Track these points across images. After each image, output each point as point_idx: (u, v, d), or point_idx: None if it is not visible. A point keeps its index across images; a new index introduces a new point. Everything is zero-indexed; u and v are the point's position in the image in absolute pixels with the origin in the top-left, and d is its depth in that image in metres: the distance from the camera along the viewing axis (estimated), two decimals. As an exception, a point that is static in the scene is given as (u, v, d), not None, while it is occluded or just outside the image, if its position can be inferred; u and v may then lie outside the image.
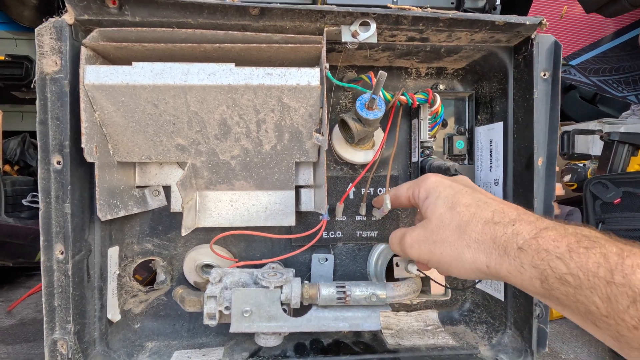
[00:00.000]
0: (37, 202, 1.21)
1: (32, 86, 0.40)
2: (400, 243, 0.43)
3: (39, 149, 0.43)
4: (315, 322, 0.49)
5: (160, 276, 0.59)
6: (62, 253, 0.44)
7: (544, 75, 0.50)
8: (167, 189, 0.57)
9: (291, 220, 0.56)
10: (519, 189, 0.54)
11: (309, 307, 0.50)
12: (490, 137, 0.59)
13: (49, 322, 0.44)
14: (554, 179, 0.50)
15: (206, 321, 0.48)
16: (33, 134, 1.74)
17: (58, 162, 0.43)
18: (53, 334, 0.44)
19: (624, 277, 0.27)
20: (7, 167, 1.62)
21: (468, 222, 0.37)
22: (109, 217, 0.47)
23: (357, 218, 0.61)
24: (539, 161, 0.50)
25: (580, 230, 0.32)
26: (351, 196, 0.61)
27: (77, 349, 0.45)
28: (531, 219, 0.35)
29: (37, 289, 0.80)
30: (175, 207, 0.56)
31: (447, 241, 0.38)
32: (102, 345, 0.50)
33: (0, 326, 0.69)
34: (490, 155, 0.58)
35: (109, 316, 0.51)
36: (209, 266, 0.58)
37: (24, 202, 1.22)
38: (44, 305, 0.44)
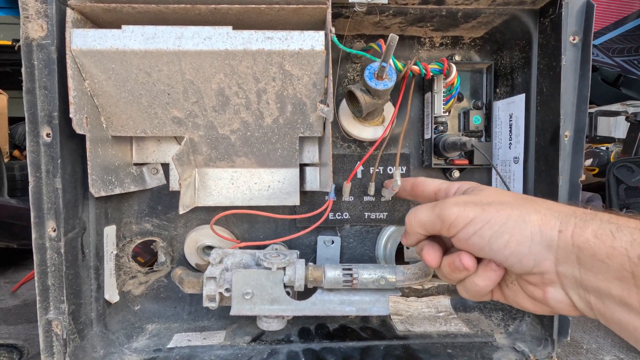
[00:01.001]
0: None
1: (15, 48, 0.37)
2: (436, 206, 0.34)
3: (26, 120, 0.41)
4: (320, 305, 0.46)
5: (161, 257, 0.57)
6: (54, 230, 0.42)
7: (574, 39, 0.45)
8: (166, 167, 0.54)
9: (295, 200, 0.53)
10: (541, 166, 0.49)
11: (314, 290, 0.47)
12: (510, 111, 0.54)
13: (43, 301, 0.42)
14: (581, 154, 0.46)
15: (206, 303, 0.46)
16: (41, 120, 1.74)
17: (47, 135, 0.41)
18: (47, 314, 0.42)
19: None
20: (17, 152, 1.63)
21: (535, 198, 0.33)
22: (103, 194, 0.45)
23: (366, 198, 0.57)
24: (566, 135, 0.46)
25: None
26: (359, 175, 0.57)
27: (72, 329, 0.43)
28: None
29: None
30: (175, 185, 0.54)
31: (507, 203, 0.31)
32: (99, 326, 0.48)
33: (4, 307, 0.69)
34: (510, 130, 0.54)
35: (107, 297, 0.49)
36: (210, 248, 0.56)
37: (31, 185, 1.22)
38: (36, 284, 0.42)
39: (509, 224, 0.30)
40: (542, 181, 0.49)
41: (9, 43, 1.66)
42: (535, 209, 0.30)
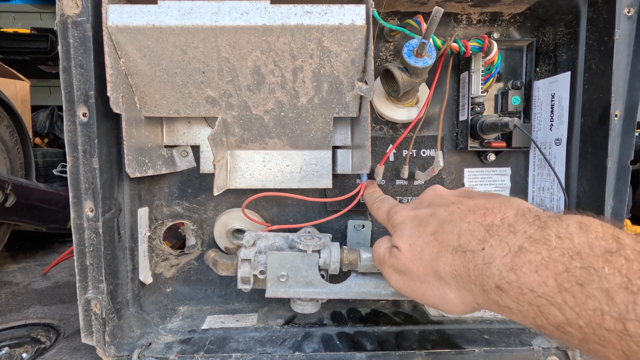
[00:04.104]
0: (67, 172, 1.22)
1: (54, 29, 0.37)
2: (380, 265, 0.38)
3: (63, 99, 0.40)
4: (355, 289, 0.45)
5: (191, 240, 0.57)
6: (92, 210, 0.41)
7: (629, 12, 0.43)
8: (195, 150, 0.54)
9: (327, 182, 0.52)
10: (587, 147, 0.47)
11: (345, 275, 0.47)
12: (552, 91, 0.52)
13: (82, 281, 0.42)
14: (633, 135, 0.44)
15: (240, 285, 0.45)
16: (61, 107, 1.76)
17: (84, 114, 0.41)
18: (86, 293, 0.42)
19: None
20: (38, 140, 1.65)
21: (437, 254, 0.31)
22: (138, 175, 0.44)
23: (398, 182, 0.56)
24: (616, 114, 0.44)
25: (576, 239, 0.23)
26: (391, 158, 0.56)
27: (110, 309, 0.43)
28: (504, 233, 0.27)
29: (68, 252, 0.80)
30: (205, 168, 0.53)
31: (423, 280, 0.33)
32: (135, 306, 0.48)
33: (36, 288, 0.70)
34: (552, 111, 0.52)
35: (141, 278, 0.49)
36: (239, 231, 0.56)
37: (54, 172, 1.25)
38: (75, 264, 0.42)
39: (441, 306, 0.32)
40: (587, 163, 0.47)
41: (28, 31, 1.67)
42: (445, 283, 0.31)
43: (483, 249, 0.27)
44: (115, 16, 0.38)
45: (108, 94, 0.39)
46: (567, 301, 0.22)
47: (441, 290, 0.31)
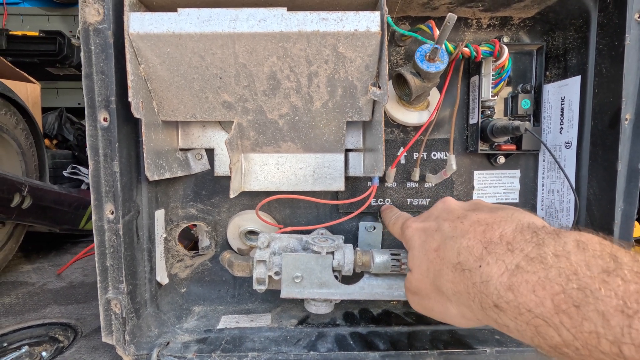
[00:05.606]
0: (77, 174, 1.23)
1: (76, 37, 0.38)
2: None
3: (85, 104, 0.41)
4: (368, 290, 0.46)
5: (205, 241, 0.58)
6: (112, 213, 0.43)
7: (639, 17, 0.43)
8: (210, 153, 0.55)
9: (340, 185, 0.53)
10: (597, 151, 0.48)
11: (357, 276, 0.47)
12: (562, 94, 0.52)
13: (102, 281, 0.43)
14: (643, 138, 0.44)
15: (255, 286, 0.46)
16: (69, 109, 1.78)
17: (105, 119, 0.42)
18: (107, 294, 0.43)
19: (638, 350, 0.19)
20: (47, 141, 1.67)
21: (439, 272, 0.32)
22: (156, 178, 0.45)
23: (409, 185, 0.57)
24: (626, 118, 0.44)
25: (573, 257, 0.23)
26: (402, 161, 0.56)
27: (130, 308, 0.44)
28: (501, 250, 0.27)
29: (83, 253, 0.82)
30: (219, 170, 0.54)
31: (429, 296, 0.35)
32: (152, 306, 0.49)
33: (52, 288, 0.72)
34: (562, 115, 0.52)
35: (158, 279, 0.50)
36: (252, 233, 0.57)
37: (64, 173, 1.26)
38: (97, 265, 0.43)
39: (448, 320, 0.34)
40: (598, 167, 0.48)
41: (36, 34, 1.69)
42: (447, 299, 0.32)
43: (480, 266, 0.27)
44: (136, 24, 0.39)
45: (129, 99, 0.40)
46: (563, 323, 0.22)
47: (445, 306, 0.33)
